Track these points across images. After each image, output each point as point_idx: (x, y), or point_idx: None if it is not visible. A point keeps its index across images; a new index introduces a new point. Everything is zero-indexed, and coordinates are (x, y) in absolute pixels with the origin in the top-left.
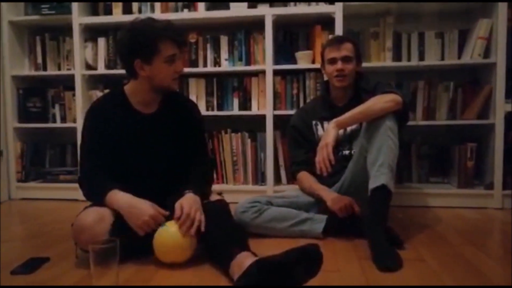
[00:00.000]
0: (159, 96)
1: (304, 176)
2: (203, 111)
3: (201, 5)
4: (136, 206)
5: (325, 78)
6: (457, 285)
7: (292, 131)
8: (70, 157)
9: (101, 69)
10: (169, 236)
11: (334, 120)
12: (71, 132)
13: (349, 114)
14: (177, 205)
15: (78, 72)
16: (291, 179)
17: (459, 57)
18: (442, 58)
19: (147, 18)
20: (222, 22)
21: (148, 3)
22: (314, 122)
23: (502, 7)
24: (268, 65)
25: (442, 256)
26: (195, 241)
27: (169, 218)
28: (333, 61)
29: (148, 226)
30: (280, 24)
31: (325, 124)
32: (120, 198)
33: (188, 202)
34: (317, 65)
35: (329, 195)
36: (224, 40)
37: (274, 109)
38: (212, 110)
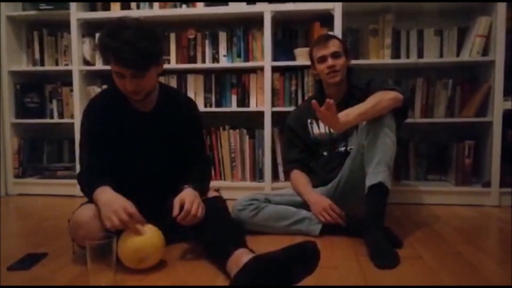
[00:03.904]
0: (155, 94)
1: (295, 177)
2: (201, 107)
3: (199, 1)
4: (113, 200)
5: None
6: (454, 285)
7: (287, 130)
8: (68, 153)
9: (99, 65)
10: (132, 239)
11: (343, 122)
12: (68, 128)
13: (354, 115)
14: (176, 200)
15: (76, 67)
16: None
17: (458, 55)
18: (441, 56)
19: (119, 24)
20: (221, 18)
21: None
22: (309, 121)
23: (501, 5)
24: (267, 62)
25: (439, 253)
26: (159, 245)
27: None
28: (323, 59)
29: (117, 216)
30: (279, 20)
31: (320, 122)
32: (104, 194)
33: (189, 197)
34: None
35: (311, 198)
36: (222, 36)
37: (273, 105)
38: (210, 106)
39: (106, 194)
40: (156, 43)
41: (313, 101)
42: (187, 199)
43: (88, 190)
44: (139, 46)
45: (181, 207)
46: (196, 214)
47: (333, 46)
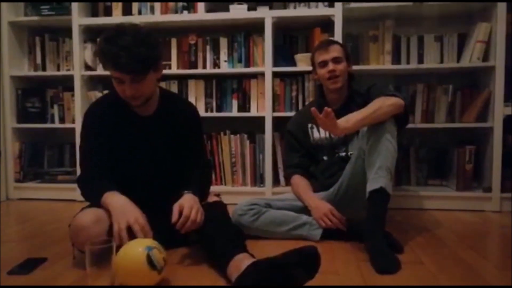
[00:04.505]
0: (155, 99)
1: (296, 182)
2: (202, 112)
3: (201, 7)
4: (127, 207)
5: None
6: (454, 286)
7: (287, 135)
8: (68, 158)
9: (100, 70)
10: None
11: (342, 127)
12: (69, 132)
13: (354, 121)
14: (175, 206)
15: (77, 72)
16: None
17: (458, 61)
18: (441, 62)
19: (117, 30)
20: (222, 24)
21: (148, 5)
22: (309, 126)
23: (501, 11)
24: (268, 67)
25: (440, 258)
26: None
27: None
28: (323, 63)
29: (131, 224)
30: (280, 26)
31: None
32: (115, 199)
33: (188, 202)
34: None
35: (311, 203)
36: (223, 42)
37: (273, 111)
38: (211, 111)
39: (118, 199)
40: (154, 48)
41: (313, 108)
42: (186, 205)
43: (95, 194)
44: (136, 51)
45: (180, 213)
46: (195, 220)
47: (334, 51)
